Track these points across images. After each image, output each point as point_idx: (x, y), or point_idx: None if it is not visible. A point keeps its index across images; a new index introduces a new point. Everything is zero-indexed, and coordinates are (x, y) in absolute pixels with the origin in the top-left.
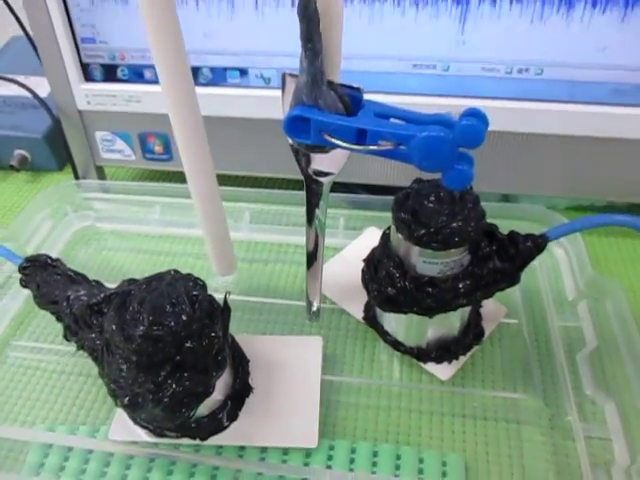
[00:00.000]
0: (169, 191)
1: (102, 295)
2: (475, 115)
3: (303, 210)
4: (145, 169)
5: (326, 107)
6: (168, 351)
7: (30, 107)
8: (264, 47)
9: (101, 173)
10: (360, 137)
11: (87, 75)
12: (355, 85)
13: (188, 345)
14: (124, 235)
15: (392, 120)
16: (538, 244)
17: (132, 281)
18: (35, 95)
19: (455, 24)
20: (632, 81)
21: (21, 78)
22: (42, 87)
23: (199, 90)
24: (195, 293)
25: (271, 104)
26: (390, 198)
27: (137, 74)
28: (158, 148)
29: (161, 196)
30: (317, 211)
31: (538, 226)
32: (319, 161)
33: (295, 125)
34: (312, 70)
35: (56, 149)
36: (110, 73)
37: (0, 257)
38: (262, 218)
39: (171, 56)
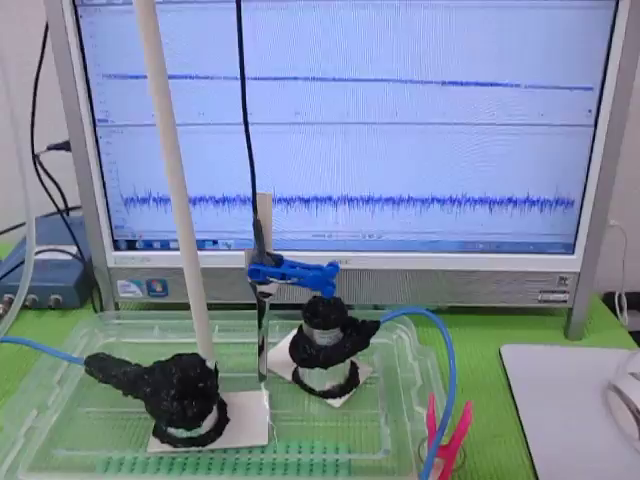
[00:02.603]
0: (163, 316)
1: (144, 368)
2: (334, 265)
3: (250, 323)
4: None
5: (267, 264)
6: (191, 389)
7: (61, 266)
8: (226, 228)
9: (116, 305)
10: (283, 277)
11: (116, 246)
12: (280, 253)
13: (200, 385)
14: (134, 346)
15: (297, 268)
16: (376, 325)
17: (158, 362)
18: (76, 257)
19: (331, 214)
20: (431, 239)
21: (52, 247)
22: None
23: None
24: (201, 360)
25: (232, 260)
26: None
27: (149, 245)
28: (159, 289)
29: (157, 319)
30: (263, 320)
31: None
32: (264, 289)
33: (253, 272)
34: (259, 248)
35: (80, 292)
36: (131, 245)
37: (63, 361)
38: (226, 328)
39: (187, 237)
